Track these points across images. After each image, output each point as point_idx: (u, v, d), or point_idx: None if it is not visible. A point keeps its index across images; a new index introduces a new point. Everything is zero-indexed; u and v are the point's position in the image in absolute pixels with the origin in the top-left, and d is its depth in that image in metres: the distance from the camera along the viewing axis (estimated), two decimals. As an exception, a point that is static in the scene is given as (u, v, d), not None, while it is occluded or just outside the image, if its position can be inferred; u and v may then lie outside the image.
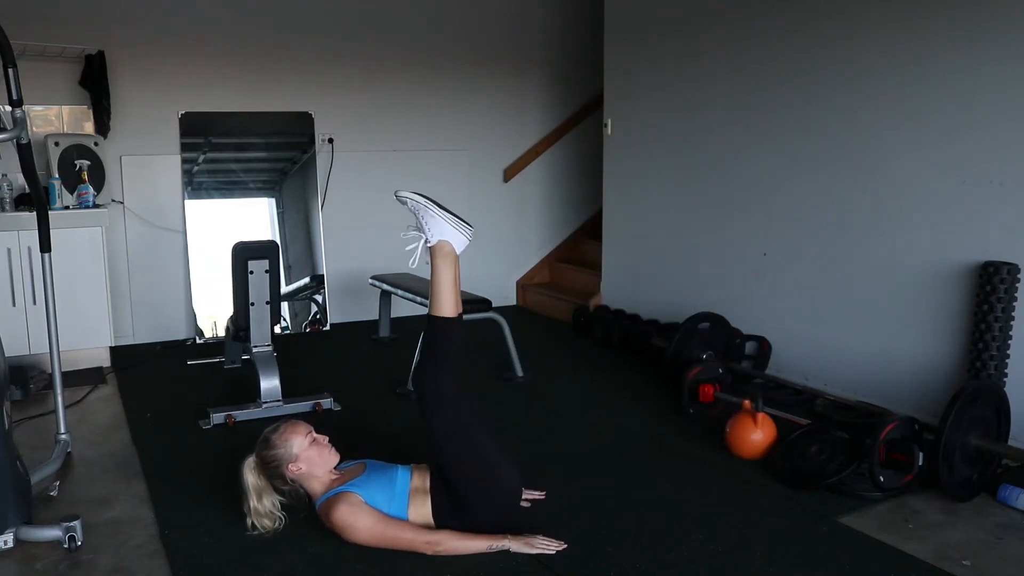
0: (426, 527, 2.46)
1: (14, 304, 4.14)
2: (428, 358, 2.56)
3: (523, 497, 2.67)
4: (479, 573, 2.33)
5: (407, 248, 2.60)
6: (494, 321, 4.13)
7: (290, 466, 2.50)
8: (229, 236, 3.98)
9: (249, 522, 2.52)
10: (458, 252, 2.55)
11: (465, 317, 3.99)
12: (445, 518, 2.47)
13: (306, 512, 2.57)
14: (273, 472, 2.52)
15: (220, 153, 5.07)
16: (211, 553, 2.46)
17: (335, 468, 2.58)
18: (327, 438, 2.60)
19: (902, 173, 3.48)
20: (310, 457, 2.51)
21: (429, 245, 2.54)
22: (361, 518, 2.40)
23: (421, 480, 2.53)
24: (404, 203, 2.56)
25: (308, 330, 5.27)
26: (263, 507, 2.52)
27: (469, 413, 2.54)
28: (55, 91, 4.60)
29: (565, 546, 2.44)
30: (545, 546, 2.42)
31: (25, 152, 2.91)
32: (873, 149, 3.59)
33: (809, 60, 3.84)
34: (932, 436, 2.83)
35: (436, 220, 2.53)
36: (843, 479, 2.85)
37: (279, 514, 2.55)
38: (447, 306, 2.52)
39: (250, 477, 2.53)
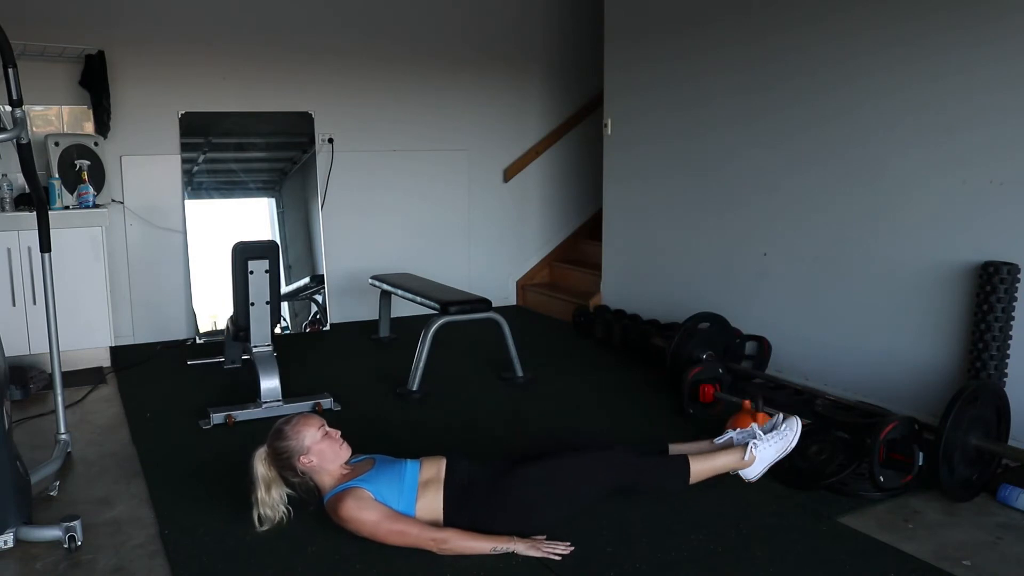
0: (434, 521, 2.46)
1: (14, 304, 4.14)
2: (648, 464, 2.73)
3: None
4: (479, 572, 2.33)
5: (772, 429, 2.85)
6: (494, 321, 4.13)
7: (301, 458, 2.50)
8: (229, 236, 3.98)
9: (255, 513, 2.51)
10: (742, 474, 2.78)
11: (465, 317, 4.05)
12: (457, 510, 2.47)
13: (315, 506, 2.56)
14: (284, 463, 2.52)
15: (220, 153, 5.07)
16: (211, 553, 2.46)
17: (345, 463, 2.59)
18: (339, 432, 2.60)
19: (902, 173, 3.48)
20: (322, 450, 2.51)
21: (754, 449, 2.76)
22: (369, 513, 2.40)
23: (433, 472, 2.54)
24: (789, 429, 2.81)
25: (308, 330, 5.27)
26: (270, 499, 2.52)
27: (600, 488, 2.62)
28: (55, 91, 4.60)
29: (572, 548, 2.44)
30: (551, 550, 2.42)
31: (25, 152, 2.91)
32: (873, 149, 3.59)
33: (809, 59, 3.84)
34: (932, 436, 2.82)
35: (772, 454, 2.78)
36: (843, 479, 2.85)
37: (285, 507, 2.55)
38: (697, 476, 2.71)
39: (260, 467, 2.53)
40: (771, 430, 2.84)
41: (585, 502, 2.61)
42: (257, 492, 2.52)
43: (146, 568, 2.40)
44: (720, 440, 2.89)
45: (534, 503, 2.51)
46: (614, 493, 2.68)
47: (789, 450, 2.81)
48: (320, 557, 2.43)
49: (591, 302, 5.41)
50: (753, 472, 2.77)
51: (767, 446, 2.77)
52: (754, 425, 2.88)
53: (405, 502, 2.46)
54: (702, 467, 2.71)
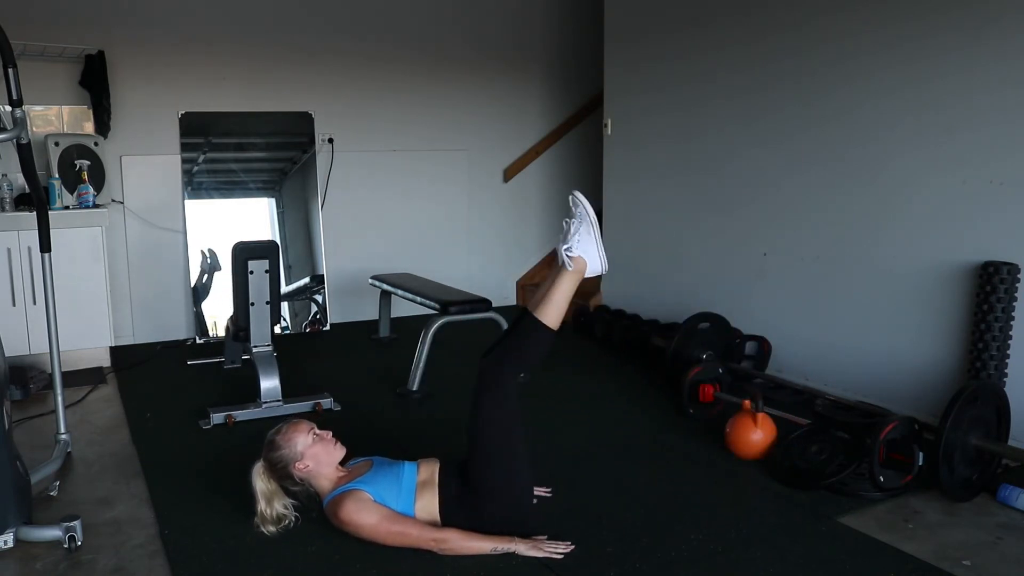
0: (432, 523, 2.46)
1: (14, 304, 4.14)
2: (511, 351, 2.56)
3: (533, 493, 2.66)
4: (479, 572, 2.34)
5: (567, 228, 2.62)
6: (494, 321, 4.12)
7: (297, 465, 2.50)
8: (229, 236, 3.98)
9: (256, 524, 2.52)
10: (593, 274, 2.61)
11: (465, 317, 4.05)
12: (453, 513, 2.47)
13: (318, 512, 2.57)
14: (282, 473, 2.53)
15: (220, 153, 5.07)
16: (211, 553, 2.46)
17: (342, 465, 2.60)
18: (330, 433, 2.60)
19: (902, 173, 3.49)
20: (316, 454, 2.52)
21: (569, 254, 2.57)
22: (368, 515, 2.41)
23: (428, 474, 2.54)
24: (575, 205, 2.59)
25: (308, 330, 5.27)
26: (272, 512, 2.53)
27: (516, 413, 2.52)
28: (55, 91, 4.60)
29: (573, 548, 2.44)
30: (553, 549, 2.42)
31: (25, 152, 2.91)
32: (873, 149, 3.59)
33: (809, 60, 3.84)
34: (932, 436, 2.83)
35: (589, 239, 2.58)
36: (843, 479, 2.85)
37: (291, 515, 2.55)
38: (554, 317, 2.53)
39: (259, 482, 2.54)
40: (568, 231, 2.61)
41: (519, 428, 2.52)
42: (259, 506, 2.53)
43: (146, 568, 2.41)
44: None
45: (500, 478, 2.47)
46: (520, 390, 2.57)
47: (595, 221, 2.59)
48: (320, 557, 2.43)
49: (591, 302, 5.41)
50: (597, 266, 2.60)
51: (578, 241, 2.58)
52: (566, 226, 2.64)
53: (404, 503, 2.47)
54: (549, 308, 2.53)
